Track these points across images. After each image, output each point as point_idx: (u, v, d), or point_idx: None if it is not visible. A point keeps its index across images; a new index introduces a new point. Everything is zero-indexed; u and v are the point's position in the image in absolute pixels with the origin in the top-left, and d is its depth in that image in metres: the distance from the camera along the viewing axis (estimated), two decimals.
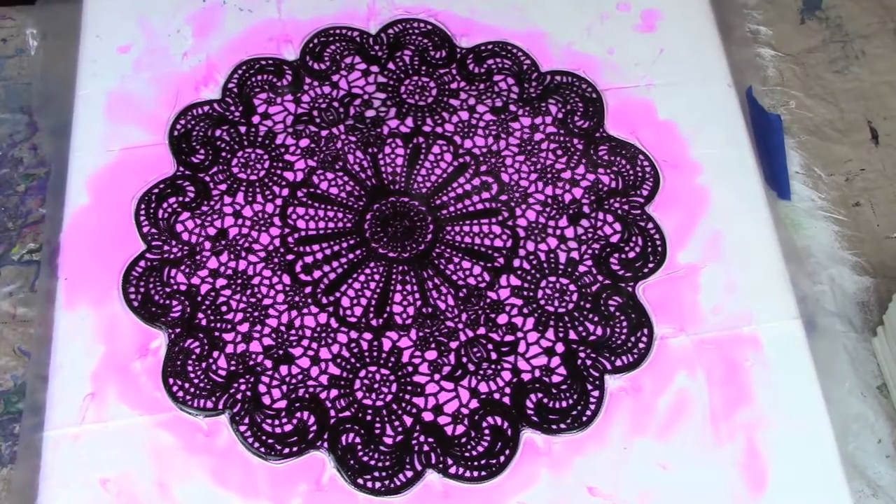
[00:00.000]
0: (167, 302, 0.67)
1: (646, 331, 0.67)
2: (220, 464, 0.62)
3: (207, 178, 0.72)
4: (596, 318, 0.68)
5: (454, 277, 0.69)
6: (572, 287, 0.69)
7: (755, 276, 0.70)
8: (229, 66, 0.78)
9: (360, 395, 0.64)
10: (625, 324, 0.67)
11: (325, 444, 0.63)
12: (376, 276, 0.69)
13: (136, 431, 0.63)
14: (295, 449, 0.62)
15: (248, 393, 0.64)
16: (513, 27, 0.81)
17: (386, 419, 0.63)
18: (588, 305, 0.68)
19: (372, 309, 0.68)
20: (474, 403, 0.64)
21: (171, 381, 0.64)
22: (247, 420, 0.63)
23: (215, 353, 0.66)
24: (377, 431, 0.63)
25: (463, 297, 0.68)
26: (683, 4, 0.83)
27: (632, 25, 0.81)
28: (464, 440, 0.63)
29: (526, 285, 0.69)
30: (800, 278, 0.72)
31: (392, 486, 0.61)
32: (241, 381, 0.65)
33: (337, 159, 0.74)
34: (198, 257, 0.69)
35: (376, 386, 0.65)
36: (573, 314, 0.68)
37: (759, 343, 0.67)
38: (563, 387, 0.65)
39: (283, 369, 0.65)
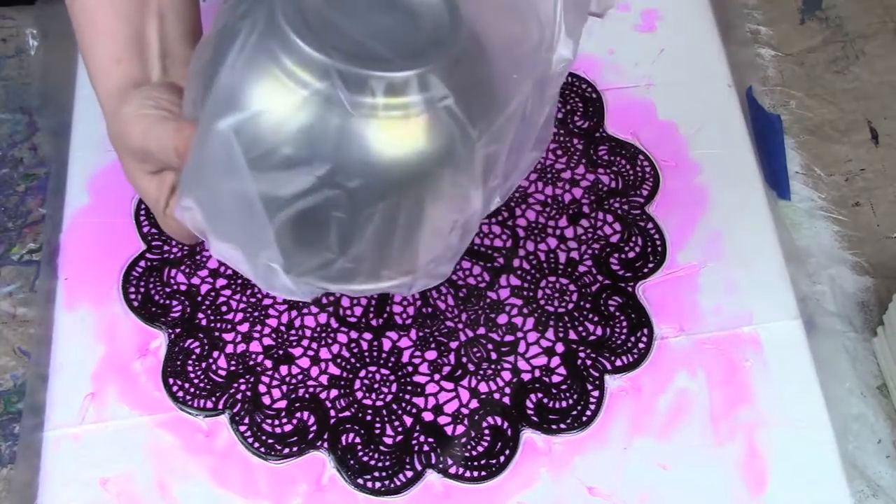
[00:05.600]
0: (167, 302, 0.67)
1: (646, 331, 0.67)
2: (220, 464, 0.62)
3: None
4: (596, 318, 0.67)
5: (454, 277, 0.69)
6: (572, 287, 0.69)
7: (755, 276, 0.69)
8: None
9: (360, 395, 0.64)
10: (625, 324, 0.67)
11: (325, 444, 0.63)
12: None
13: (136, 431, 0.63)
14: (295, 449, 0.62)
15: (248, 393, 0.64)
16: None
17: (386, 419, 0.63)
18: (588, 305, 0.68)
19: (372, 309, 0.68)
20: (474, 403, 0.64)
21: (171, 381, 0.64)
22: (247, 420, 0.63)
23: (215, 353, 0.65)
24: (377, 431, 0.63)
25: (463, 297, 0.68)
26: (683, 4, 0.83)
27: (632, 25, 0.81)
28: (464, 440, 0.63)
29: (526, 285, 0.69)
30: (800, 278, 0.72)
31: (392, 486, 0.61)
32: (241, 381, 0.65)
33: None
34: (198, 257, 0.69)
35: (376, 386, 0.65)
36: (573, 314, 0.68)
37: (759, 343, 0.67)
38: (563, 387, 0.65)
39: (283, 369, 0.65)
